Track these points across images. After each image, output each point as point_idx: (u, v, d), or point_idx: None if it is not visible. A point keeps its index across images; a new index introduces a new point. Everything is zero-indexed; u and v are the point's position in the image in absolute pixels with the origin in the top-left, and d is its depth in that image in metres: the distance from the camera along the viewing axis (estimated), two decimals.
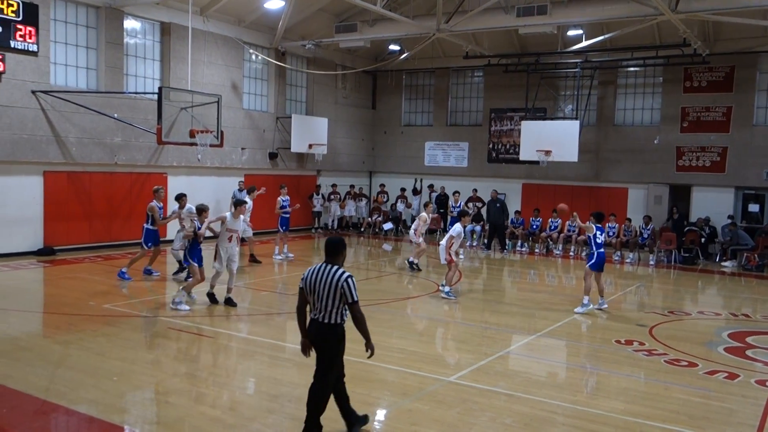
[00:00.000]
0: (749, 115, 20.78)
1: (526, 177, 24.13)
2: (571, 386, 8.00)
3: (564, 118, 22.69)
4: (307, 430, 5.80)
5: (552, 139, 21.03)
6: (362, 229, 24.85)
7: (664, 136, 21.96)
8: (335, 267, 5.77)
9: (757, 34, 19.86)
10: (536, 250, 21.07)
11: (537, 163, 21.92)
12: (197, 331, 9.87)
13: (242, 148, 21.80)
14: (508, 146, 24.65)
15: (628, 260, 19.66)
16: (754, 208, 21.02)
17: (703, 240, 20.11)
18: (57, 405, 6.65)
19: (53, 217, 16.72)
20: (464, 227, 13.60)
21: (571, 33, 20.90)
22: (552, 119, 22.92)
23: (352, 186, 25.43)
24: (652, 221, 20.43)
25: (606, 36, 20.29)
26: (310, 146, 23.12)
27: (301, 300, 5.88)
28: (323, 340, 5.77)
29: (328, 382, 5.85)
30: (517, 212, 22.39)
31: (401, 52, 24.11)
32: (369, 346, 5.86)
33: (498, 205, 21.50)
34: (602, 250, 11.98)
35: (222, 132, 17.39)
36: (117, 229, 18.21)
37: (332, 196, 24.70)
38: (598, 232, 11.97)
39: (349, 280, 5.67)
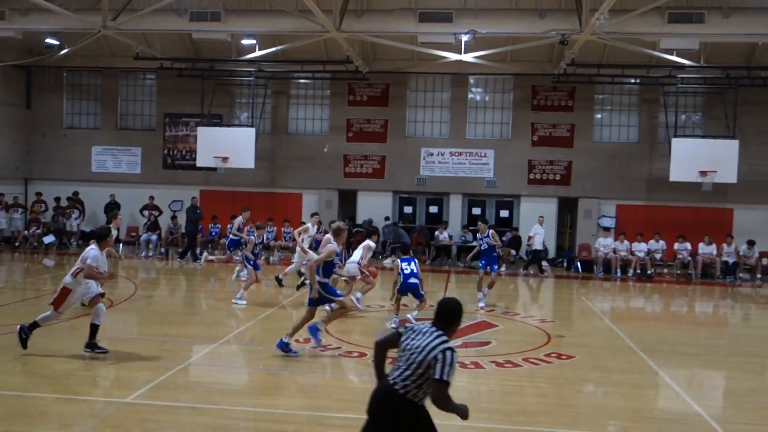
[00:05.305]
0: (403, 128, 23.41)
1: (203, 183, 23.75)
2: (253, 390, 8.07)
3: (240, 125, 22.91)
4: None
5: (229, 145, 21.12)
6: (17, 244, 22.03)
7: (333, 144, 23.55)
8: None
9: (407, 57, 22.40)
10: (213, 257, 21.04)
11: (214, 169, 21.80)
12: None
13: None
14: (184, 152, 24.04)
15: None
16: (408, 209, 23.76)
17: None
18: None
19: None
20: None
21: (245, 42, 21.18)
22: (228, 126, 22.97)
23: (1, 195, 22.26)
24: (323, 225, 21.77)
25: (278, 48, 20.98)
26: None
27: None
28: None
29: None
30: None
31: (61, 47, 21.84)
32: None
33: (199, 210, 20.94)
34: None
35: None
36: None
37: None
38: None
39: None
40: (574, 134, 22.75)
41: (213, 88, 22.85)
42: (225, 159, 20.99)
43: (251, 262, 13.61)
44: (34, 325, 8.88)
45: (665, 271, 21.20)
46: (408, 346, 4.67)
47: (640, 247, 20.86)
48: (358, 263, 12.97)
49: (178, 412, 7.08)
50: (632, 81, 22.43)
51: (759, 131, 21.56)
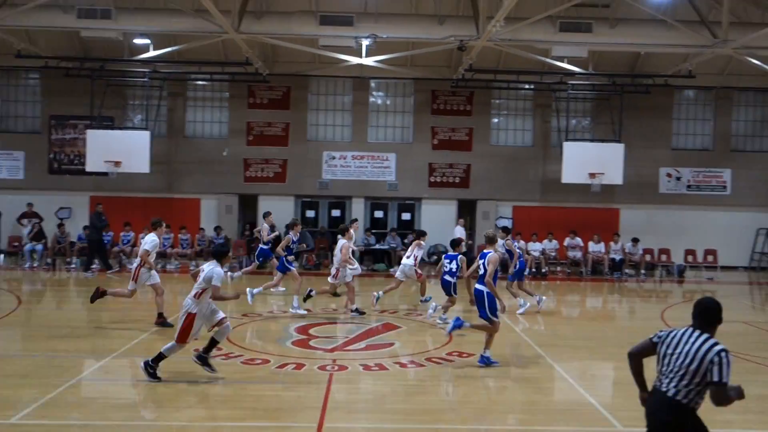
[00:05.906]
0: (304, 130, 23.25)
1: (94, 189, 22.56)
2: (151, 403, 7.74)
3: (134, 128, 22.01)
4: None
5: (121, 149, 20.26)
6: None
7: (233, 148, 23.05)
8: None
9: (308, 60, 22.19)
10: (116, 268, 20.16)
11: (106, 174, 20.85)
12: None
13: None
14: (72, 156, 22.81)
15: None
16: (310, 213, 23.61)
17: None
18: None
19: None
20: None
21: (138, 41, 20.37)
22: (121, 129, 21.99)
23: None
24: (224, 230, 21.33)
25: (174, 48, 20.33)
26: None
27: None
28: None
29: None
30: (86, 228, 20.88)
31: None
32: None
33: (104, 218, 19.78)
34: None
35: None
36: None
37: None
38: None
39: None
40: (473, 138, 23.37)
41: (104, 89, 21.80)
42: (117, 163, 20.12)
43: (291, 264, 13.47)
44: (160, 356, 8.31)
45: (558, 269, 22.13)
46: (672, 353, 4.72)
47: (535, 247, 21.67)
48: (414, 264, 13.86)
49: (69, 431, 6.69)
50: (527, 86, 23.31)
51: (642, 135, 22.95)
